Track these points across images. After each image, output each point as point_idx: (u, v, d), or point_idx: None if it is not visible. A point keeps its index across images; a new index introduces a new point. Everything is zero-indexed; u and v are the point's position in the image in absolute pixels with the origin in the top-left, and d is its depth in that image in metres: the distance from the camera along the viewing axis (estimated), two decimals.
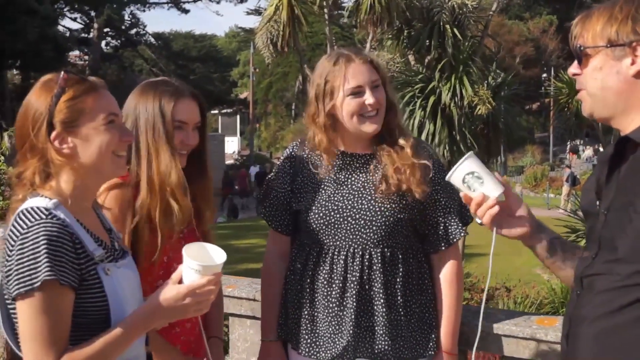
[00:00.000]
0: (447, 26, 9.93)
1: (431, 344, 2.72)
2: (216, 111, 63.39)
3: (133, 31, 54.82)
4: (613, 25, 1.90)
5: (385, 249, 2.65)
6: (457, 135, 10.53)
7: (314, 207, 2.69)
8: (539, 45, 55.22)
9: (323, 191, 2.71)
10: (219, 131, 58.30)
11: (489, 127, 11.17)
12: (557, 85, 13.54)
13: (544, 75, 47.01)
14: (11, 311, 1.98)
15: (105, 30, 52.24)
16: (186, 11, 56.74)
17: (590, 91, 1.97)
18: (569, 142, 51.16)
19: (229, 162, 45.63)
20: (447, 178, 2.18)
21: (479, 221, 2.16)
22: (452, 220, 2.72)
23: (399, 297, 2.67)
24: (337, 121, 2.69)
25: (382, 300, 2.64)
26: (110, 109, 2.08)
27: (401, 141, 2.70)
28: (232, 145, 59.58)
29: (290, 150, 2.89)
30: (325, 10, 11.05)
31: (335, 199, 2.68)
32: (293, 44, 10.73)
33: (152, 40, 56.53)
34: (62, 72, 2.06)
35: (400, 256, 2.68)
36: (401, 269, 2.67)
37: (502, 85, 11.38)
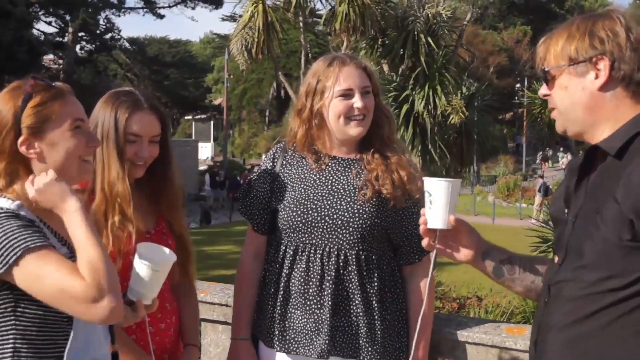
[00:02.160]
0: (422, 35, 9.98)
1: (402, 353, 2.74)
2: (190, 117, 63.24)
3: (108, 36, 54.49)
4: (572, 43, 1.95)
5: (361, 252, 2.68)
6: (430, 144, 10.59)
7: (292, 205, 2.72)
8: (513, 56, 55.73)
9: (303, 190, 2.74)
10: (193, 137, 58.12)
11: (462, 137, 11.25)
12: (530, 95, 13.65)
13: (517, 85, 47.38)
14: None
15: (80, 34, 51.88)
16: (161, 16, 56.35)
17: (560, 109, 2.02)
18: (540, 152, 51.67)
19: (202, 167, 45.46)
20: (424, 180, 2.19)
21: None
22: None
23: (374, 302, 2.69)
24: (324, 121, 2.73)
25: (357, 302, 2.67)
26: (76, 114, 2.11)
27: (391, 151, 2.73)
28: (205, 151, 59.37)
29: (274, 150, 2.93)
30: (300, 17, 11.08)
31: (315, 198, 2.71)
32: (267, 51, 10.73)
33: (127, 45, 56.24)
34: (30, 78, 2.09)
35: (375, 260, 2.71)
36: (376, 274, 2.70)
37: (475, 94, 11.46)
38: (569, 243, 1.96)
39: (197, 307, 2.91)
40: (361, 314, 2.66)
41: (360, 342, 2.66)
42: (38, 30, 49.19)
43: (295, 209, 2.71)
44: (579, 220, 1.94)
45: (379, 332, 2.68)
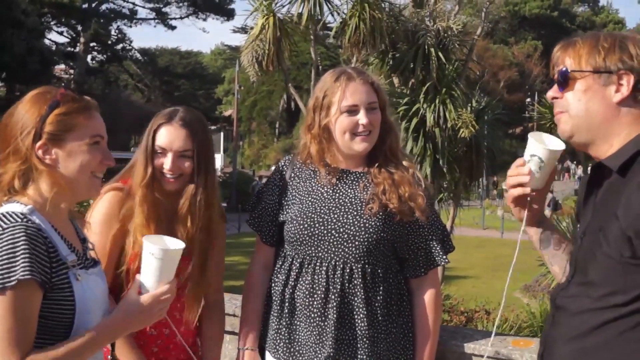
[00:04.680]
0: (432, 49, 9.98)
1: None
2: None
3: (119, 46, 54.83)
4: (600, 52, 1.95)
5: (366, 265, 2.69)
6: (440, 158, 10.57)
7: (299, 218, 2.74)
8: (524, 70, 55.70)
9: (310, 203, 2.76)
10: None
11: (472, 150, 11.23)
12: (540, 110, 13.64)
13: (528, 100, 47.31)
14: None
15: (92, 44, 52.20)
16: (173, 27, 56.70)
17: (573, 113, 2.01)
18: (559, 165, 51.35)
19: None
20: (529, 134, 2.21)
21: (503, 186, 2.23)
22: (434, 248, 2.76)
23: (379, 315, 2.70)
24: (331, 135, 2.76)
25: (362, 315, 2.68)
26: (98, 130, 2.17)
27: (397, 165, 2.75)
28: (215, 161, 59.54)
29: (282, 163, 2.95)
30: (311, 30, 11.10)
31: (322, 211, 2.72)
32: (278, 63, 10.75)
33: (138, 55, 56.53)
34: (61, 87, 2.18)
35: (380, 274, 2.71)
36: (381, 287, 2.71)
37: (485, 109, 11.44)
38: (577, 259, 1.97)
39: (224, 321, 3.00)
40: (365, 327, 2.67)
41: (365, 355, 2.67)
42: (50, 40, 49.61)
43: (302, 221, 2.73)
44: (586, 236, 1.96)
45: (383, 345, 2.69)
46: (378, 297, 2.70)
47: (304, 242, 2.73)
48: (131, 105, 52.14)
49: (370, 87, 2.74)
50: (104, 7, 52.78)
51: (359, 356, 2.68)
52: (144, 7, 54.10)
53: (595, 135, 1.98)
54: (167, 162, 2.66)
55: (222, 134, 63.06)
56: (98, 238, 2.53)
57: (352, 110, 2.69)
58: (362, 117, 2.68)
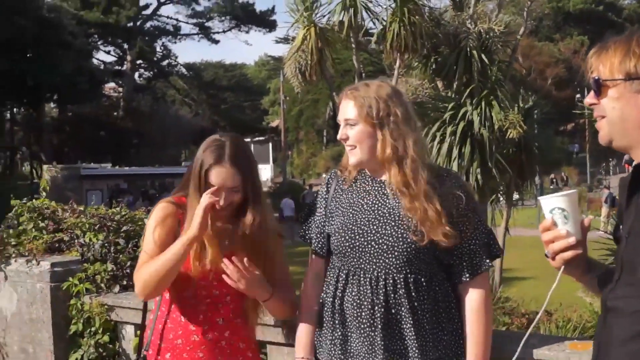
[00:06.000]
0: (474, 52, 9.95)
1: None
2: (248, 139, 63.85)
3: (165, 62, 55.67)
4: (632, 59, 1.92)
5: (409, 275, 2.68)
6: (489, 160, 10.50)
7: (341, 231, 2.76)
8: (571, 66, 54.86)
9: (351, 215, 2.77)
10: None
11: (522, 151, 11.13)
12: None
13: (577, 95, 46.64)
14: None
15: (138, 62, 53.11)
16: (216, 41, 57.41)
17: (609, 119, 1.99)
18: (603, 164, 50.61)
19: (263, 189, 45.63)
20: (539, 198, 2.20)
21: (546, 253, 2.17)
22: (477, 252, 2.73)
23: (426, 324, 2.68)
24: None
25: (409, 325, 2.67)
26: None
27: (419, 180, 2.72)
28: (265, 173, 59.75)
29: (328, 176, 2.99)
30: (352, 38, 11.13)
31: (362, 223, 2.73)
32: (321, 72, 10.81)
33: (184, 70, 57.30)
34: None
35: (424, 283, 2.70)
36: (426, 296, 2.70)
37: (533, 107, 11.34)
38: (623, 260, 1.95)
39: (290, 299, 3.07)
40: (413, 336, 2.67)
41: None
42: (98, 59, 50.50)
43: (343, 234, 2.74)
44: (631, 236, 1.93)
45: (433, 354, 2.68)
46: (424, 306, 2.69)
47: (347, 254, 2.74)
48: (179, 120, 52.86)
49: (352, 101, 2.76)
50: (148, 24, 53.77)
51: None
52: (187, 22, 54.88)
53: (632, 140, 1.96)
54: (220, 200, 2.82)
55: (270, 144, 63.45)
56: (153, 231, 2.85)
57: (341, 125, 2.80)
58: (339, 132, 2.78)
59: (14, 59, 33.55)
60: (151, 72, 56.18)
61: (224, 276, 2.76)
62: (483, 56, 10.02)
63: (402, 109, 2.75)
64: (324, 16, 11.13)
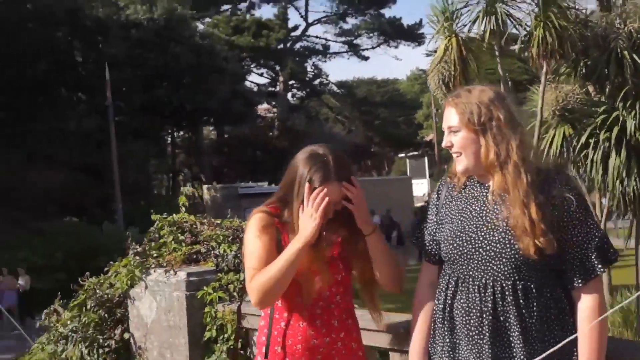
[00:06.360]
0: (625, 52, 9.50)
1: None
2: (403, 154, 63.83)
3: (317, 81, 56.74)
4: None
5: (517, 282, 2.62)
6: None
7: (450, 238, 2.75)
8: None
9: (460, 222, 2.75)
10: (408, 174, 58.43)
11: None
12: None
13: None
14: None
15: (290, 82, 54.48)
16: (365, 58, 57.97)
17: None
18: None
19: (419, 204, 45.54)
20: None
21: None
22: (589, 257, 2.61)
23: (534, 332, 2.60)
24: None
25: (517, 333, 2.60)
26: None
27: (524, 184, 2.63)
28: (421, 187, 59.43)
29: (440, 183, 2.99)
30: (496, 46, 10.93)
31: (470, 230, 2.71)
32: (465, 82, 10.67)
33: (335, 88, 58.18)
34: None
35: (534, 289, 2.62)
36: (536, 303, 2.61)
37: None
38: None
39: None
40: (521, 345, 2.59)
41: None
42: (251, 82, 52.25)
43: (452, 241, 2.73)
44: None
45: None
46: (532, 314, 2.61)
47: (456, 261, 2.73)
48: (334, 137, 53.63)
49: (454, 108, 2.74)
50: (298, 45, 55.11)
51: None
52: (335, 41, 55.87)
53: None
54: (330, 213, 2.90)
55: (425, 159, 63.21)
56: (256, 240, 2.93)
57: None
58: (444, 140, 2.77)
59: (171, 86, 35.35)
60: (304, 92, 57.44)
61: (344, 202, 2.90)
62: (635, 57, 9.55)
63: (505, 112, 2.70)
64: (465, 25, 11.01)
